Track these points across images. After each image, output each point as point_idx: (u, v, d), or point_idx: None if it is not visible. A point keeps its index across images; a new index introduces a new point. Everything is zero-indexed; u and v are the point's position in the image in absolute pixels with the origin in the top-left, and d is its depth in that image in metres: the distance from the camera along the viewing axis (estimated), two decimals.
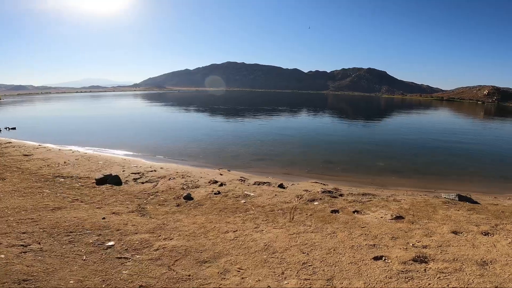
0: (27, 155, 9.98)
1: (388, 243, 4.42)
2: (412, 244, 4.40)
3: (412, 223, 5.31)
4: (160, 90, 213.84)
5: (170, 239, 4.08)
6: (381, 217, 5.50)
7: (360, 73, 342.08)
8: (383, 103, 69.89)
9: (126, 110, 34.78)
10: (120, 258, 3.53)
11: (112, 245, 3.80)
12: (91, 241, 3.90)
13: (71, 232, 4.11)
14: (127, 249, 3.76)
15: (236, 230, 4.54)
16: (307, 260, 3.76)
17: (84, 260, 3.44)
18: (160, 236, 4.16)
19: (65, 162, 9.04)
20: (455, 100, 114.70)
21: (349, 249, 4.17)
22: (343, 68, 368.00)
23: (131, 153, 11.33)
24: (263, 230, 4.61)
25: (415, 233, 4.83)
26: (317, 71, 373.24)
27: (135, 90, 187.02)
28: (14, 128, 18.19)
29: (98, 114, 29.28)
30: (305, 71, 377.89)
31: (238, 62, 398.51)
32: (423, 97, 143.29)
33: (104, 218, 4.60)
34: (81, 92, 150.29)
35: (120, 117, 26.24)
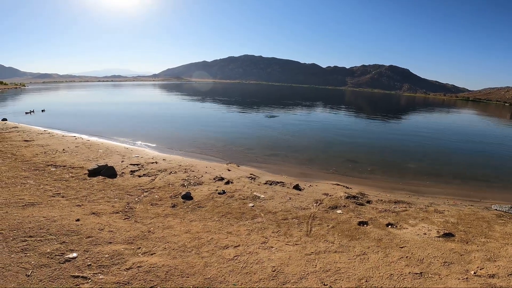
0: (28, 140, 9.43)
1: (440, 270, 3.35)
2: (474, 273, 3.34)
3: (466, 242, 4.16)
4: (178, 80, 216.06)
5: (151, 254, 3.14)
6: (424, 234, 4.36)
7: (381, 70, 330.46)
8: (404, 102, 66.42)
9: (142, 98, 34.54)
10: (77, 277, 2.65)
11: (73, 258, 2.93)
12: (48, 250, 3.04)
13: (30, 236, 3.27)
14: (90, 264, 2.87)
15: (239, 245, 3.56)
16: None
17: (27, 276, 2.59)
18: (139, 248, 3.23)
19: (63, 150, 8.38)
20: (481, 101, 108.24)
21: (386, 279, 3.12)
22: (363, 65, 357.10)
23: (138, 142, 10.58)
24: (272, 247, 3.61)
25: (474, 257, 3.72)
26: (335, 67, 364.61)
27: (154, 80, 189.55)
28: (43, 110, 18.87)
29: (117, 102, 29.16)
30: (323, 66, 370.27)
31: (256, 55, 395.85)
32: (447, 96, 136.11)
33: (78, 220, 3.73)
34: (104, 81, 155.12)
35: (136, 105, 25.83)
